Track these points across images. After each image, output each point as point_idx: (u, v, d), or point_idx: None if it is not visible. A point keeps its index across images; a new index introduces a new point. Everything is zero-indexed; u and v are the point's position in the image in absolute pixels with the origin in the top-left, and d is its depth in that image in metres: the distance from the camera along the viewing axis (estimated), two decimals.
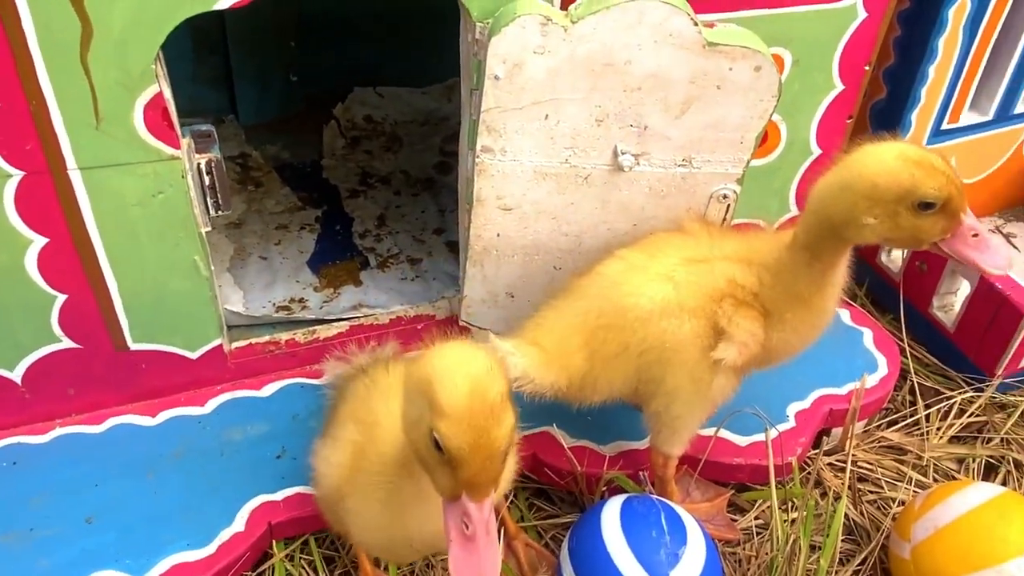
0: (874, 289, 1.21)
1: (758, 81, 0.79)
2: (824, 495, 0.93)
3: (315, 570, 0.85)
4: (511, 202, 0.87)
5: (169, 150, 0.77)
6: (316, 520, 0.86)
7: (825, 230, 0.71)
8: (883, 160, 0.68)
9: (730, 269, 0.77)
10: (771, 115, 0.82)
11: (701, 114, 0.81)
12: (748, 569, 0.85)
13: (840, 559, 0.89)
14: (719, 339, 0.74)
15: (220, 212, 0.87)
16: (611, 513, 0.79)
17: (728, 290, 0.76)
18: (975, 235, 0.69)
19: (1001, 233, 1.28)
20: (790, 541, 0.81)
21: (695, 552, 0.76)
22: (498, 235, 0.90)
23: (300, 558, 0.86)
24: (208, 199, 0.85)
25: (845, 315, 1.10)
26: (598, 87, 0.79)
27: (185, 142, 0.80)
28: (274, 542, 0.85)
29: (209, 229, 0.86)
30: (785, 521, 0.86)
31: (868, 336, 1.07)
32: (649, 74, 0.78)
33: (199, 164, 0.83)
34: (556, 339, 0.77)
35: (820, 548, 0.85)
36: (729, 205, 0.88)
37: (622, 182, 0.86)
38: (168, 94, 0.75)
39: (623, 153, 0.83)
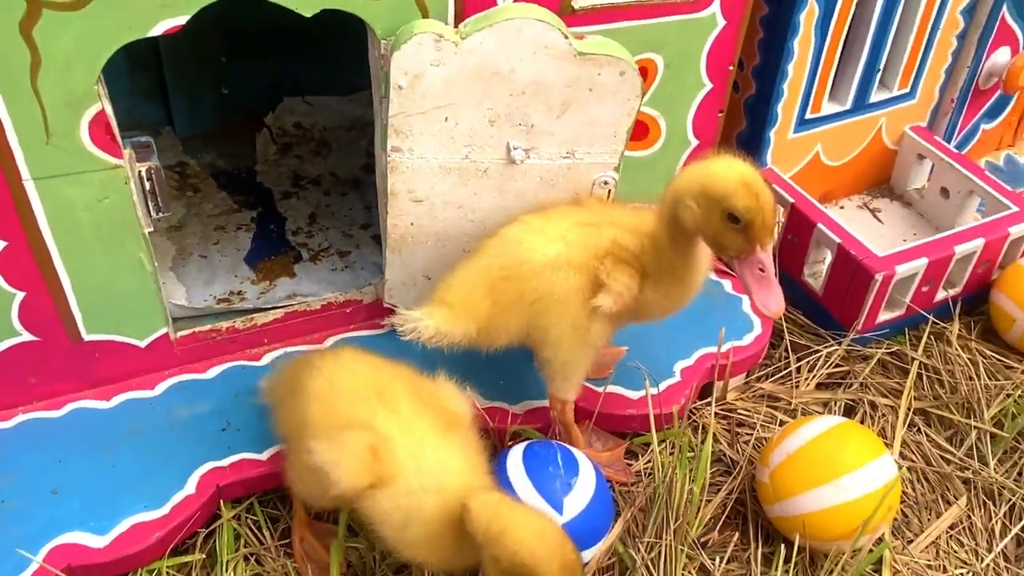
0: None
1: (623, 84, 0.93)
2: (705, 437, 1.08)
3: (259, 527, 0.97)
4: (421, 195, 0.99)
5: (113, 160, 0.88)
6: (260, 482, 0.97)
7: (668, 208, 0.85)
8: (726, 168, 0.82)
9: (616, 233, 0.91)
10: (637, 112, 0.96)
11: (578, 113, 0.95)
12: (636, 499, 0.98)
13: (716, 488, 1.03)
14: (598, 291, 0.88)
15: (161, 214, 0.97)
16: (515, 456, 0.92)
17: (611, 249, 0.89)
18: (762, 270, 0.82)
19: (868, 209, 1.45)
20: (668, 472, 0.95)
21: (586, 482, 0.90)
22: (412, 224, 1.02)
23: (246, 518, 0.97)
24: (149, 203, 0.95)
25: (727, 284, 1.25)
26: (488, 93, 0.92)
27: (127, 152, 0.90)
28: (222, 504, 0.96)
29: (152, 230, 0.97)
30: (668, 461, 0.99)
31: (746, 302, 1.22)
32: (531, 80, 0.91)
33: (140, 172, 0.93)
34: (463, 293, 0.90)
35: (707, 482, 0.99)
36: (610, 190, 1.01)
37: (516, 173, 0.99)
38: (109, 110, 0.86)
39: (515, 148, 0.96)
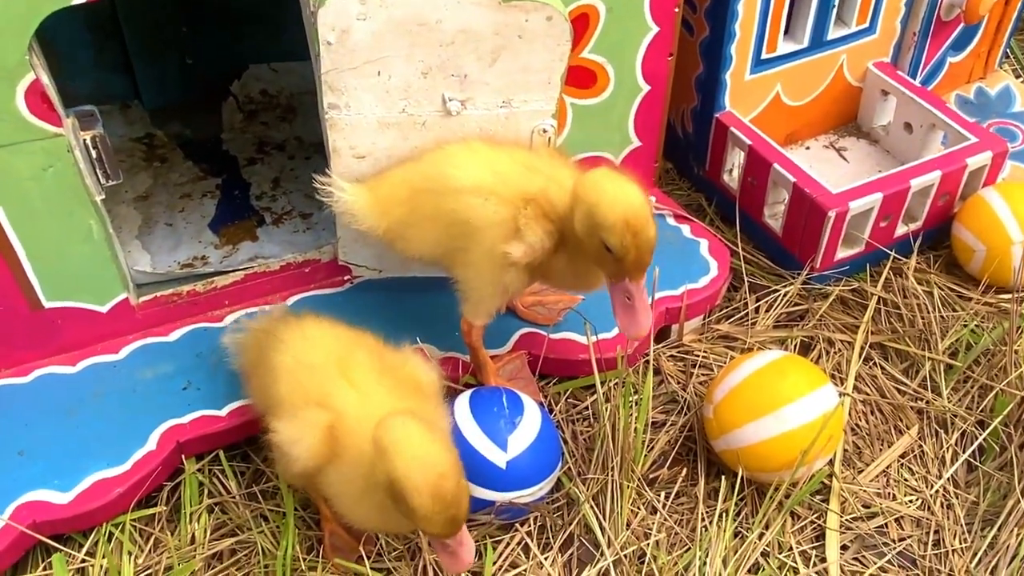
0: (721, 207, 1.37)
1: (552, 29, 0.93)
2: (661, 380, 1.10)
3: (226, 478, 1.00)
4: (363, 151, 1.01)
5: (53, 129, 0.90)
6: (220, 437, 1.01)
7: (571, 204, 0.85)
8: (612, 200, 0.80)
9: (549, 186, 0.90)
10: (569, 57, 0.96)
11: (510, 61, 0.95)
12: (581, 438, 1.01)
13: (668, 427, 1.05)
14: (515, 236, 0.88)
15: (110, 181, 1.00)
16: (462, 400, 0.95)
17: (537, 198, 0.89)
18: (629, 298, 0.83)
19: (834, 148, 1.45)
20: (610, 409, 0.97)
21: (530, 422, 0.92)
22: (357, 181, 1.03)
23: (211, 470, 1.01)
24: (98, 170, 0.98)
25: (686, 229, 1.26)
26: (417, 44, 0.92)
27: (69, 121, 0.92)
28: (185, 459, 1.00)
29: (103, 197, 0.99)
30: (613, 401, 1.01)
31: (704, 245, 1.23)
32: (459, 30, 0.92)
33: (85, 140, 0.95)
34: (386, 189, 0.93)
35: (650, 420, 1.01)
36: (550, 137, 1.02)
37: (454, 125, 1.00)
38: (45, 79, 0.88)
39: (450, 100, 0.97)
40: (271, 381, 0.87)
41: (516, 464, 0.88)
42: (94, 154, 0.97)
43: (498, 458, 0.89)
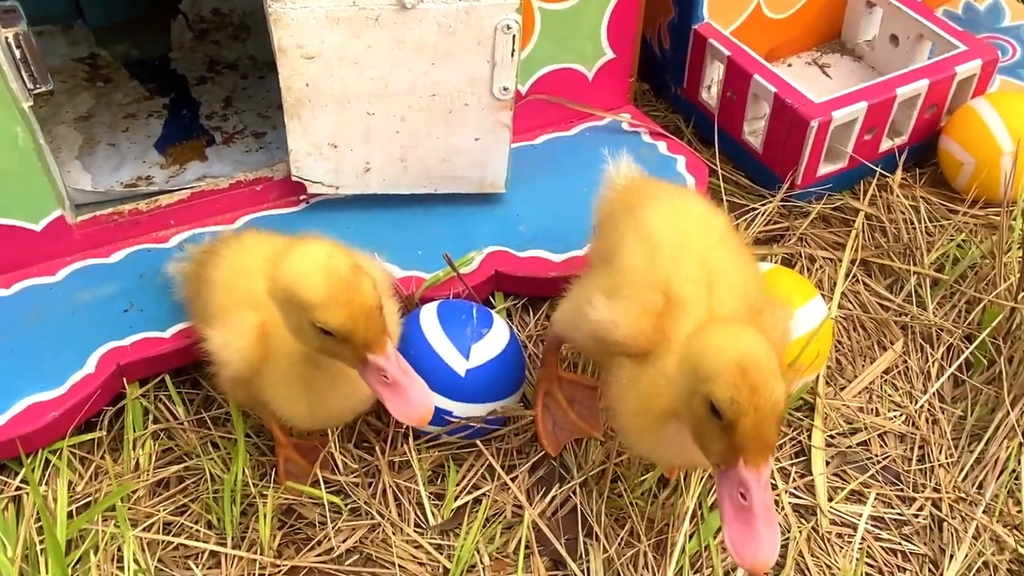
0: (700, 127, 1.30)
1: None
2: None
3: (173, 403, 0.94)
4: (312, 50, 0.93)
5: None
6: (164, 360, 0.94)
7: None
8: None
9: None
10: None
11: None
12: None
13: None
14: None
15: (38, 87, 0.92)
16: (430, 308, 0.89)
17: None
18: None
19: (817, 65, 1.38)
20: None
21: (498, 334, 0.87)
22: (307, 85, 0.96)
23: (157, 396, 0.94)
24: (23, 73, 0.90)
25: (662, 146, 1.20)
26: None
27: None
28: (128, 384, 0.93)
29: (30, 103, 0.91)
30: None
31: (680, 162, 1.17)
32: None
33: (7, 38, 0.87)
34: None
35: None
36: (514, 35, 0.95)
37: (411, 21, 0.92)
38: None
39: None
40: (208, 293, 0.82)
41: (476, 374, 0.83)
42: (18, 54, 0.88)
43: (459, 365, 0.83)
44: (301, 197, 1.10)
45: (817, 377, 0.95)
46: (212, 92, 1.28)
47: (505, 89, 0.99)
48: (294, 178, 1.06)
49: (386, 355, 0.67)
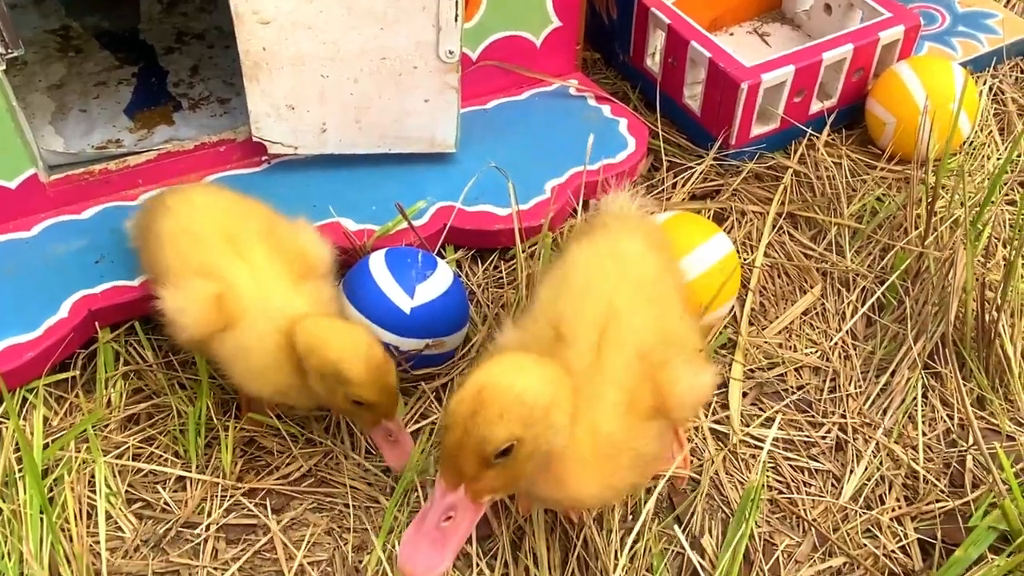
0: (645, 92, 1.37)
1: None
2: None
3: (142, 347, 1.01)
4: (267, 15, 1.00)
5: None
6: (133, 307, 1.01)
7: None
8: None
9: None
10: None
11: None
12: (497, 302, 1.03)
13: None
14: None
15: (9, 51, 0.98)
16: (379, 254, 0.96)
17: None
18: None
19: (758, 34, 1.45)
20: (526, 274, 0.99)
21: (441, 277, 0.94)
22: (264, 49, 1.03)
23: (128, 341, 1.01)
24: None
25: (606, 110, 1.27)
26: None
27: None
28: (100, 329, 1.00)
29: (3, 68, 0.97)
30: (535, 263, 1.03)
31: (623, 124, 1.24)
32: None
33: None
34: None
35: None
36: (456, 1, 1.01)
37: None
38: None
39: None
40: (157, 248, 0.88)
41: (421, 311, 0.90)
42: None
43: (404, 303, 0.90)
44: (263, 158, 1.17)
45: (732, 311, 1.03)
46: (179, 61, 1.34)
47: (451, 52, 1.05)
48: (255, 139, 1.12)
49: (396, 422, 0.82)
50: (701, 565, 0.82)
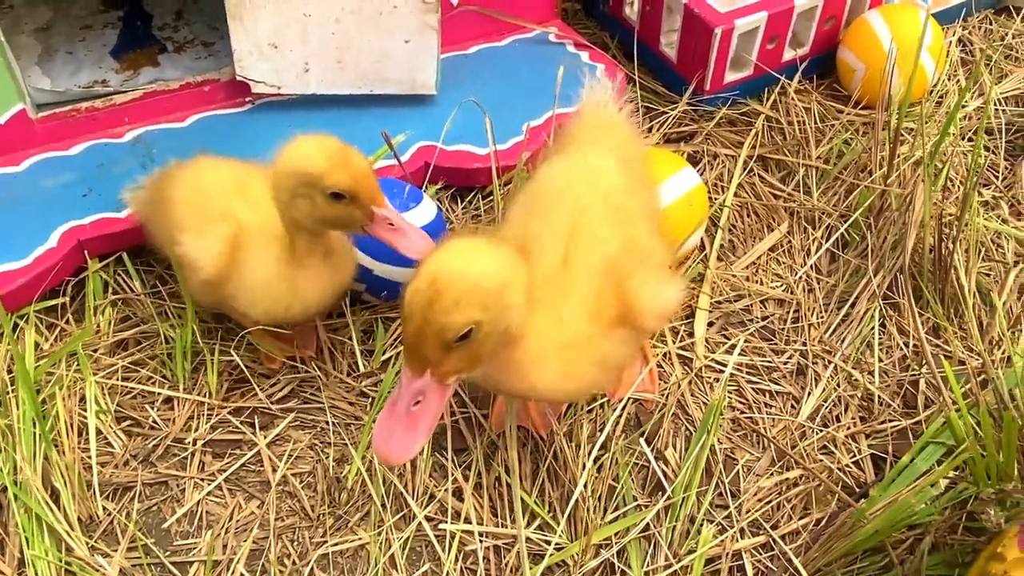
0: (624, 42, 1.40)
1: None
2: None
3: (130, 278, 1.04)
4: None
5: None
6: (120, 237, 1.04)
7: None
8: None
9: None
10: None
11: None
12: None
13: None
14: None
15: None
16: None
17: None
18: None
19: None
20: (501, 206, 1.02)
21: (425, 209, 0.98)
22: None
23: (116, 271, 1.04)
24: None
25: (584, 56, 1.30)
26: None
27: None
28: (89, 258, 1.03)
29: None
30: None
31: (600, 69, 1.27)
32: None
33: None
34: None
35: None
36: None
37: None
38: None
39: None
40: (169, 210, 0.91)
41: None
42: None
43: None
44: (247, 98, 1.19)
45: (702, 245, 1.07)
46: (164, 5, 1.36)
47: None
48: (238, 78, 1.15)
49: (388, 207, 0.81)
50: (664, 473, 0.87)
